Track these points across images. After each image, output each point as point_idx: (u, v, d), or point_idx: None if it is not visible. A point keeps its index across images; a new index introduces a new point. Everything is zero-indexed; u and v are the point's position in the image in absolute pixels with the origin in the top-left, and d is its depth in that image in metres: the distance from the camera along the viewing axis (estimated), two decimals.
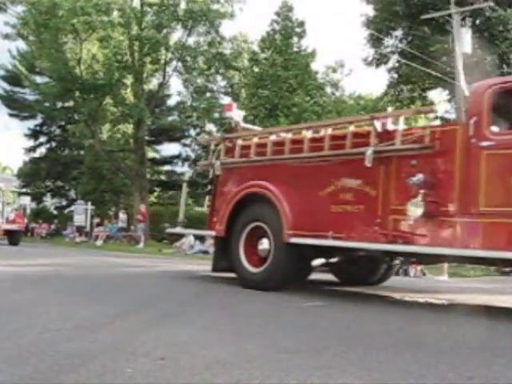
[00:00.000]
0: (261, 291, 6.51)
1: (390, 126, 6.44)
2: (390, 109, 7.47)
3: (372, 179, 6.35)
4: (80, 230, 28.04)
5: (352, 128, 6.72)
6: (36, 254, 14.89)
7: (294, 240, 6.48)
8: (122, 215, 28.64)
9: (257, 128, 9.39)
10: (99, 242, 25.46)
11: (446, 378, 2.84)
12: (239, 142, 7.96)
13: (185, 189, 9.70)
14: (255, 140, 7.78)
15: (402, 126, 6.39)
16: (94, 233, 27.20)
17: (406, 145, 6.08)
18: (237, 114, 8.38)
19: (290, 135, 7.45)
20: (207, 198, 8.61)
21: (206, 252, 20.61)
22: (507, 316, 5.91)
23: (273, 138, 7.55)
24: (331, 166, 6.75)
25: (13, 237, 21.61)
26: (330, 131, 6.92)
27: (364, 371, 2.89)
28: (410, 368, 3.00)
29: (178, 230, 9.47)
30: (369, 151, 6.15)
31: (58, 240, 28.64)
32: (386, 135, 6.36)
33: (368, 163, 6.13)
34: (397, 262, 7.84)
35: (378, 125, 6.34)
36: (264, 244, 6.94)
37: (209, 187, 8.55)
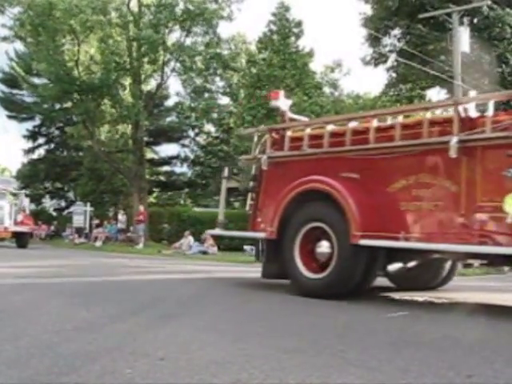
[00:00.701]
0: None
1: (473, 113, 5.78)
2: (472, 92, 6.40)
3: (453, 172, 5.61)
4: (79, 231, 28.01)
5: (429, 115, 6.00)
6: (36, 255, 14.89)
7: (364, 242, 5.74)
8: (121, 216, 28.61)
9: (303, 118, 8.58)
10: (98, 243, 25.44)
11: (445, 376, 2.84)
12: (288, 133, 7.16)
13: (224, 186, 8.84)
14: (308, 131, 6.96)
15: (491, 111, 5.74)
16: (93, 234, 27.18)
17: (499, 133, 5.35)
18: (284, 103, 7.60)
19: (352, 125, 6.63)
20: (249, 196, 7.77)
21: (205, 252, 20.63)
22: (507, 314, 5.91)
23: (330, 128, 6.78)
24: (403, 158, 5.99)
25: (21, 239, 21.00)
26: (400, 119, 6.20)
27: (363, 370, 2.90)
28: (409, 367, 3.00)
29: (218, 231, 8.79)
30: (453, 140, 5.45)
31: (58, 241, 28.62)
32: (469, 123, 5.68)
33: (453, 154, 5.44)
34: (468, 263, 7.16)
35: (461, 111, 5.68)
36: (323, 247, 6.21)
37: (251, 184, 7.73)
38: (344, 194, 6.00)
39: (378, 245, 5.81)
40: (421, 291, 7.04)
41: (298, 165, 6.90)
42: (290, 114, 7.60)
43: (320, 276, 6.17)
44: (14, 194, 23.49)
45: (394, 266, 6.09)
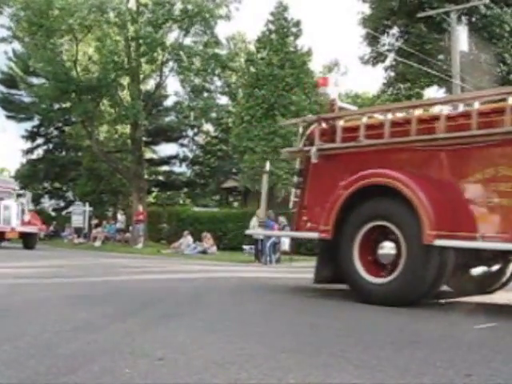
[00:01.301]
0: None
1: None
2: None
3: None
4: (78, 231, 28.00)
5: None
6: (35, 255, 14.89)
7: (438, 242, 5.17)
8: (121, 216, 28.64)
9: (353, 107, 8.02)
10: (98, 243, 25.46)
11: (444, 375, 2.84)
12: (340, 123, 6.50)
13: (266, 181, 8.27)
14: (365, 120, 6.32)
15: None
16: (92, 234, 27.18)
17: None
18: (333, 90, 6.92)
19: (417, 112, 6.04)
20: (293, 192, 7.06)
21: (204, 252, 20.65)
22: (506, 313, 5.92)
23: (391, 117, 6.18)
24: (480, 150, 5.43)
25: (28, 240, 20.45)
26: (477, 106, 5.63)
27: (363, 370, 2.90)
28: (408, 366, 3.00)
29: (259, 231, 7.92)
30: None
31: (57, 242, 28.61)
32: None
33: None
34: None
35: None
36: (387, 248, 5.68)
37: (296, 179, 7.09)
38: (414, 188, 5.40)
39: (455, 245, 5.31)
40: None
41: (354, 157, 6.27)
42: (339, 103, 7.03)
43: (385, 280, 5.64)
44: (20, 194, 22.94)
45: (479, 270, 5.69)
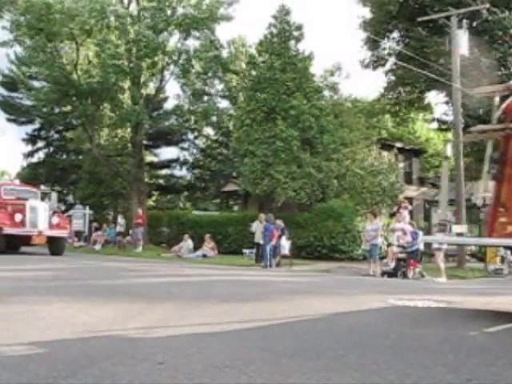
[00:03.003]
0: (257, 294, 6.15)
1: None
2: None
3: None
4: (78, 234, 27.98)
5: None
6: (35, 259, 14.88)
7: None
8: (121, 219, 28.60)
9: None
10: (98, 247, 25.44)
11: (444, 379, 2.84)
12: None
13: (447, 170, 6.69)
14: None
15: None
16: (92, 237, 27.17)
17: None
18: None
19: None
20: (483, 184, 5.35)
21: (204, 256, 20.63)
22: (506, 318, 5.91)
23: None
24: None
25: (56, 245, 17.74)
26: None
27: (363, 374, 2.90)
28: (408, 370, 3.00)
29: (443, 238, 5.84)
30: None
31: None
32: None
33: None
34: None
35: None
36: None
37: (489, 167, 5.35)
38: None
39: None
40: (422, 294, 6.73)
41: None
42: None
43: None
44: (45, 194, 20.54)
45: None
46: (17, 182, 20.53)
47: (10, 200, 17.97)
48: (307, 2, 46.00)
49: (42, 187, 21.09)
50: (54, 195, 20.84)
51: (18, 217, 16.90)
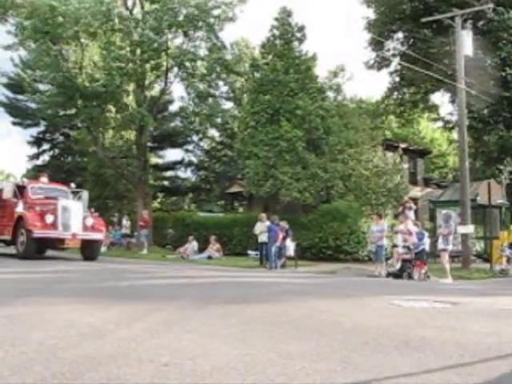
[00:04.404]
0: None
1: None
2: None
3: None
4: None
5: None
6: (40, 260, 14.89)
7: None
8: (126, 221, 28.67)
9: None
10: (103, 249, 25.46)
11: (450, 381, 2.83)
12: None
13: None
14: None
15: None
16: None
17: None
18: None
19: None
20: None
21: (209, 257, 20.65)
22: (511, 318, 5.88)
23: None
24: None
25: (91, 249, 16.35)
26: None
27: (367, 375, 2.89)
28: (413, 371, 3.00)
29: None
30: None
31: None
32: None
33: None
34: None
35: None
36: None
37: None
38: None
39: None
40: (428, 295, 6.76)
41: None
42: None
43: None
44: (76, 192, 18.85)
45: None
46: (45, 179, 18.60)
47: (39, 200, 16.51)
48: (310, 3, 46.00)
49: (72, 185, 18.94)
50: (86, 194, 18.77)
51: (50, 218, 15.39)
